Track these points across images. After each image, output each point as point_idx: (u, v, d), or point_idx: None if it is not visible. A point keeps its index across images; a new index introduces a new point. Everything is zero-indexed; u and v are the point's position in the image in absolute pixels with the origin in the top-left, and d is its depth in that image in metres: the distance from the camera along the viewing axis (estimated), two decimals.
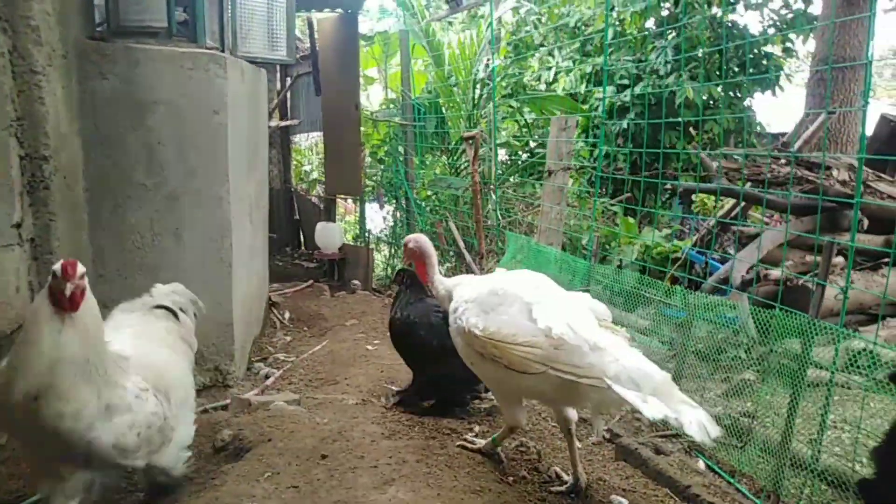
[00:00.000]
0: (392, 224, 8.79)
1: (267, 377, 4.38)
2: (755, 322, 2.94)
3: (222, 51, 4.11)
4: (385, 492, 2.41)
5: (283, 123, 9.09)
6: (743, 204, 4.63)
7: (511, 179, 8.25)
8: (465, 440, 3.00)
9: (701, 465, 2.95)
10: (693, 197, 6.24)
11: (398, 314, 3.59)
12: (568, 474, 2.75)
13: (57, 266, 2.00)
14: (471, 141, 5.26)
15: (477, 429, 3.23)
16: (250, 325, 4.82)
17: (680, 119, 5.89)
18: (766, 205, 3.84)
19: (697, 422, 2.13)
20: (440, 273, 3.19)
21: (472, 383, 3.37)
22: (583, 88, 8.79)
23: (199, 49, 3.73)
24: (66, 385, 1.94)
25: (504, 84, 8.75)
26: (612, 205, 6.53)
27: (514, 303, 2.61)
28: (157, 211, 3.73)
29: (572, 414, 2.72)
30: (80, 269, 2.01)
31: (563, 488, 2.69)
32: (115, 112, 3.57)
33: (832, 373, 2.44)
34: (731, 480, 2.80)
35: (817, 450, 2.49)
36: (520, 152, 9.02)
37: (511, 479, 2.70)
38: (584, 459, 2.95)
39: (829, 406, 2.46)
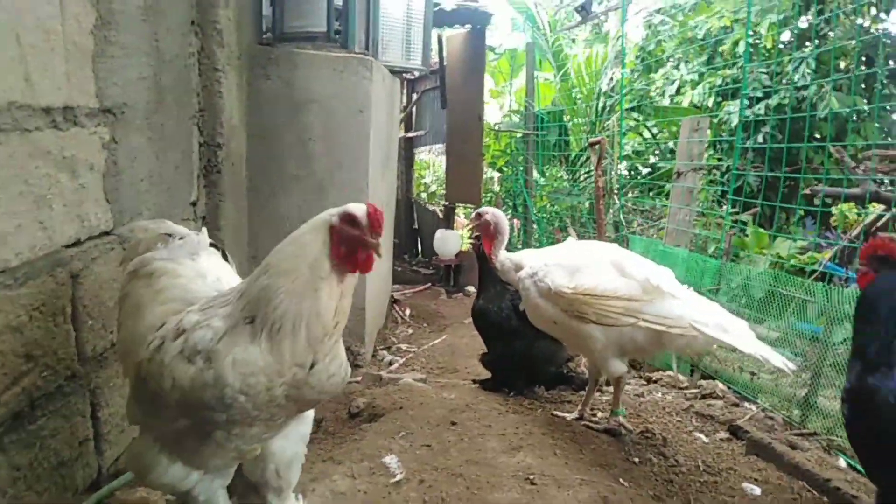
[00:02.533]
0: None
1: (391, 363, 4.63)
2: None
3: (368, 55, 4.46)
4: (514, 456, 2.51)
5: (410, 134, 9.53)
6: (894, 211, 4.33)
7: (630, 194, 8.16)
8: (590, 421, 3.06)
9: (842, 463, 2.81)
10: (833, 210, 5.89)
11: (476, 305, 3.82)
12: (692, 461, 2.79)
13: (359, 210, 1.55)
14: (596, 147, 5.31)
15: (599, 414, 3.26)
16: (377, 315, 5.11)
17: (819, 134, 5.55)
18: None
19: (781, 359, 2.43)
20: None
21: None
22: (710, 102, 8.55)
23: (349, 53, 4.08)
24: (338, 343, 1.65)
25: (629, 98, 8.70)
26: (740, 220, 6.28)
27: (603, 262, 2.82)
28: (306, 200, 4.09)
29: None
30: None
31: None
32: (274, 109, 3.99)
33: None
34: None
35: None
36: (639, 166, 8.90)
37: (637, 459, 2.72)
38: (712, 453, 2.90)
39: None
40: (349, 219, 1.54)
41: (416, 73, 9.08)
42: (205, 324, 1.59)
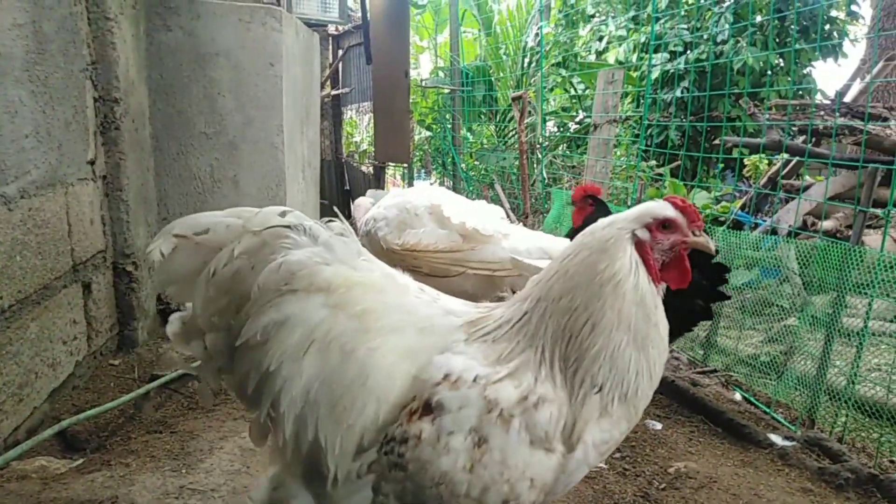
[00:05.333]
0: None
1: None
2: (799, 255, 2.96)
3: (278, 6, 4.28)
4: None
5: (335, 92, 9.28)
6: (796, 159, 4.54)
7: (558, 150, 8.25)
8: None
9: (737, 396, 2.99)
10: (745, 161, 6.13)
11: None
12: None
13: (667, 209, 1.26)
14: (518, 101, 5.31)
15: None
16: None
17: (736, 88, 5.74)
18: (808, 155, 3.74)
19: None
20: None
21: None
22: (634, 58, 8.67)
23: (256, 3, 3.90)
24: None
25: (555, 53, 8.72)
26: (659, 173, 6.47)
27: (425, 212, 2.87)
28: (217, 159, 3.95)
29: None
30: None
31: None
32: (178, 62, 3.79)
33: (871, 298, 2.44)
34: (767, 410, 2.82)
35: (851, 381, 2.50)
36: (568, 123, 8.99)
37: None
38: None
39: (869, 324, 2.46)
40: (662, 223, 1.26)
41: (340, 29, 8.80)
42: (536, 396, 1.18)
